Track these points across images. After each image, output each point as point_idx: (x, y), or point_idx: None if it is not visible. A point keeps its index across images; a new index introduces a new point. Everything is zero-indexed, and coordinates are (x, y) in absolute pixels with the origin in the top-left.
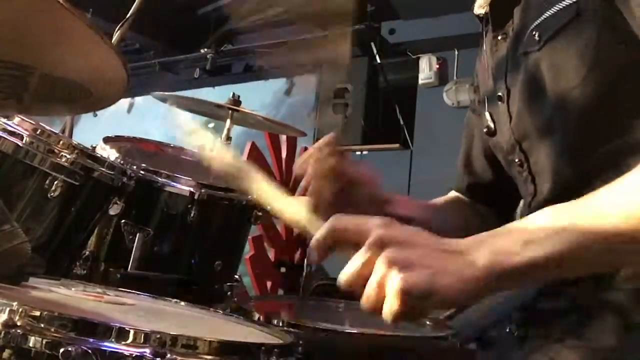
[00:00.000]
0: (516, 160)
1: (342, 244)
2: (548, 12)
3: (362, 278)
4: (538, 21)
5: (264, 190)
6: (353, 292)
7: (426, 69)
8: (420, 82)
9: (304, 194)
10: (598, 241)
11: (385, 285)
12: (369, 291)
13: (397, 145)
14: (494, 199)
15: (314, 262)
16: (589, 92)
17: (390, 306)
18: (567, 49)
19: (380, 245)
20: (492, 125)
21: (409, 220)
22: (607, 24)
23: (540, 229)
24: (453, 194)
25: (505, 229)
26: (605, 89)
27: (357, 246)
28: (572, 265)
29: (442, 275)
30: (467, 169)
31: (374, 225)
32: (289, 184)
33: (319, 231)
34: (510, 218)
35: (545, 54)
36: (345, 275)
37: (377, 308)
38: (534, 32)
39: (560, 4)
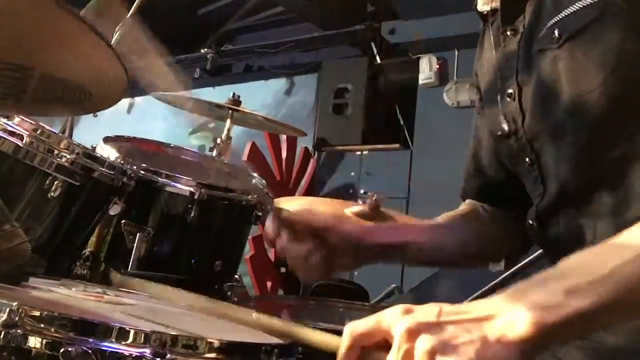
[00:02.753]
0: (526, 159)
1: (368, 351)
2: (569, 9)
3: None
4: (558, 18)
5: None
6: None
7: (426, 69)
8: (420, 82)
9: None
10: None
11: None
12: None
13: (397, 145)
14: (507, 198)
15: None
16: (607, 95)
17: None
18: (589, 49)
19: (411, 337)
20: (506, 127)
21: (408, 245)
22: (631, 22)
23: (580, 276)
24: (464, 205)
25: (537, 279)
26: (624, 93)
27: (384, 347)
28: (620, 312)
29: (487, 346)
30: (477, 171)
31: (394, 319)
32: (289, 184)
33: (340, 348)
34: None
35: (564, 53)
36: None
37: None
38: (552, 30)
39: (583, 1)
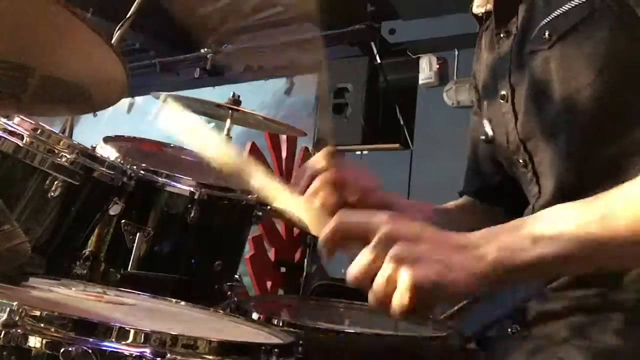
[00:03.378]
0: (520, 160)
1: (349, 240)
2: (559, 10)
3: (370, 274)
4: (548, 19)
5: (267, 186)
6: (360, 289)
7: (426, 69)
8: (420, 82)
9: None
10: (607, 242)
11: (395, 281)
12: (377, 287)
13: (397, 145)
14: (504, 199)
15: (323, 259)
16: (599, 93)
17: (400, 302)
18: (579, 49)
19: (388, 241)
20: (490, 132)
21: None
22: (621, 23)
23: (549, 226)
24: (463, 198)
25: (514, 224)
26: (615, 90)
27: (364, 242)
28: (580, 263)
29: (451, 269)
30: (475, 173)
31: (381, 221)
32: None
33: (325, 228)
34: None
35: (556, 53)
36: (353, 271)
37: (385, 304)
38: (543, 30)
39: (572, 1)
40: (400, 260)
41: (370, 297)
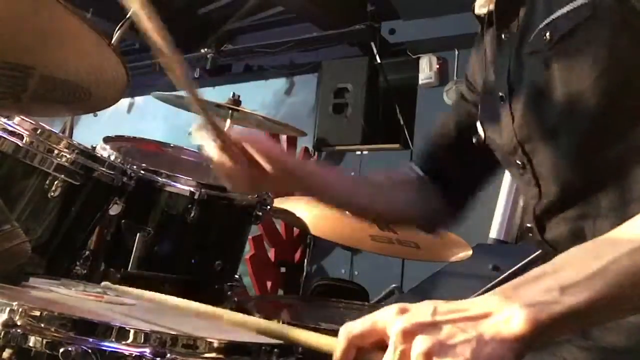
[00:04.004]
0: (517, 162)
1: (364, 351)
2: (560, 11)
3: None
4: (548, 20)
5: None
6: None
7: (426, 68)
8: (420, 82)
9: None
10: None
11: None
12: None
13: (397, 145)
14: (450, 179)
15: None
16: (600, 95)
17: None
18: (580, 50)
19: (407, 337)
20: (482, 135)
21: (326, 187)
22: (623, 24)
23: (575, 271)
24: (404, 171)
25: (532, 275)
26: (618, 91)
27: (380, 347)
28: (616, 306)
29: (483, 345)
30: (434, 154)
31: (390, 319)
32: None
33: (336, 350)
34: (459, 202)
35: (556, 55)
36: None
37: None
38: (544, 31)
39: (574, 3)
40: (430, 354)
41: None
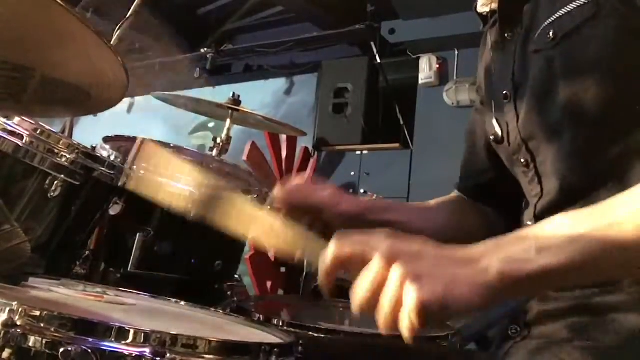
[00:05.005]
0: (522, 160)
1: (350, 266)
2: (563, 10)
3: (374, 295)
4: (552, 18)
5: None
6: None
7: (426, 69)
8: (420, 82)
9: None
10: (613, 251)
11: (401, 300)
12: (385, 310)
13: (397, 145)
14: (498, 199)
15: (326, 295)
16: (604, 93)
17: (409, 323)
18: (584, 49)
19: (390, 260)
20: (499, 132)
21: (391, 225)
22: (626, 22)
23: (554, 236)
24: (453, 195)
25: (516, 235)
26: (621, 90)
27: (365, 265)
28: (585, 273)
29: (455, 285)
30: (470, 171)
31: (379, 240)
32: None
33: (324, 258)
34: (515, 218)
35: (560, 53)
36: (357, 295)
37: (394, 325)
38: (548, 30)
39: (578, 1)
40: (403, 279)
41: (380, 321)
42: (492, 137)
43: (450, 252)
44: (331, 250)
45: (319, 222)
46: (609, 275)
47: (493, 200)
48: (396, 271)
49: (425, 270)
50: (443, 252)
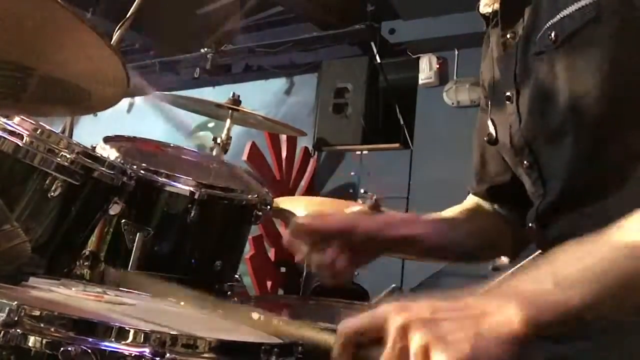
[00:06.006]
0: (525, 162)
1: (363, 348)
2: (565, 12)
3: None
4: (554, 20)
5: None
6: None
7: (426, 68)
8: (420, 82)
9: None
10: (636, 278)
11: None
12: None
13: (397, 145)
14: (513, 199)
15: None
16: (604, 96)
17: None
18: (585, 51)
19: (406, 333)
20: (493, 133)
21: (415, 238)
22: (627, 25)
23: (572, 268)
24: (471, 200)
25: (530, 275)
26: (622, 93)
27: (379, 344)
28: (612, 304)
29: (482, 341)
30: (483, 174)
31: (388, 315)
32: (289, 183)
33: (334, 346)
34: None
35: (562, 55)
36: None
37: None
38: (549, 32)
39: (579, 3)
40: (429, 348)
41: None
42: (486, 138)
43: (463, 307)
44: (340, 333)
45: (344, 247)
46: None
47: (511, 201)
48: (417, 341)
49: (446, 331)
50: (457, 310)
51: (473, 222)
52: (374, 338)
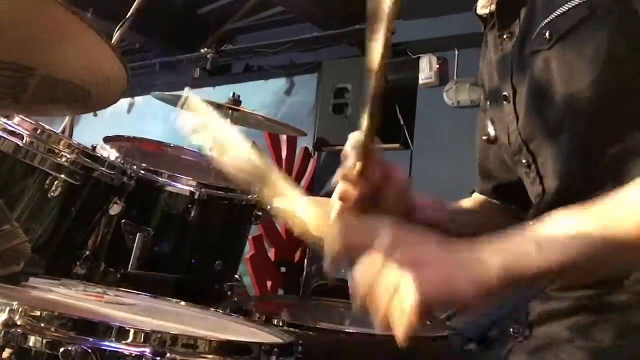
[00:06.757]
0: (523, 161)
1: (355, 251)
2: (559, 10)
3: (373, 279)
4: (548, 19)
5: (277, 188)
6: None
7: (426, 68)
8: (420, 82)
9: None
10: (611, 248)
11: (400, 294)
12: (383, 298)
13: (397, 145)
14: (519, 196)
15: (331, 275)
16: (600, 94)
17: (407, 320)
18: (579, 49)
19: (390, 246)
20: (492, 132)
21: (436, 225)
22: (622, 23)
23: (555, 235)
24: (479, 197)
25: (518, 234)
26: (615, 90)
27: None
28: (584, 269)
29: (454, 278)
30: (488, 173)
31: (383, 227)
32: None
33: (331, 244)
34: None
35: (556, 53)
36: (356, 278)
37: (390, 319)
38: (544, 31)
39: (573, 1)
40: (402, 264)
41: (376, 315)
42: (485, 138)
43: (452, 246)
44: (338, 232)
45: (372, 196)
46: (606, 271)
47: (519, 199)
48: (395, 256)
49: (425, 258)
50: (445, 244)
51: (486, 215)
52: (366, 246)
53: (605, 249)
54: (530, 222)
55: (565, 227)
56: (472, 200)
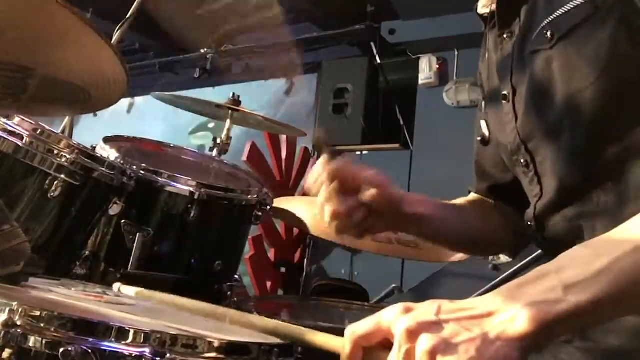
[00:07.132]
0: (522, 160)
1: (370, 351)
2: (561, 10)
3: None
4: (550, 19)
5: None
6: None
7: (426, 69)
8: (420, 82)
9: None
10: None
11: None
12: None
13: (397, 145)
14: (517, 198)
15: None
16: (601, 93)
17: None
18: (581, 49)
19: (412, 337)
20: (486, 133)
21: (424, 218)
22: (624, 23)
23: (578, 270)
24: (474, 195)
25: (536, 274)
26: (617, 90)
27: (386, 346)
28: (620, 305)
29: (488, 343)
30: (484, 173)
31: (394, 318)
32: (288, 184)
33: (343, 352)
34: None
35: (558, 53)
36: None
37: None
38: (545, 30)
39: (574, 1)
40: (434, 352)
41: None
42: (479, 139)
43: (468, 308)
44: (347, 338)
45: (363, 204)
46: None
47: (514, 199)
48: (423, 345)
49: (452, 336)
50: (462, 311)
51: (479, 213)
52: (380, 342)
53: (633, 280)
54: (529, 224)
55: (588, 260)
56: (466, 199)
